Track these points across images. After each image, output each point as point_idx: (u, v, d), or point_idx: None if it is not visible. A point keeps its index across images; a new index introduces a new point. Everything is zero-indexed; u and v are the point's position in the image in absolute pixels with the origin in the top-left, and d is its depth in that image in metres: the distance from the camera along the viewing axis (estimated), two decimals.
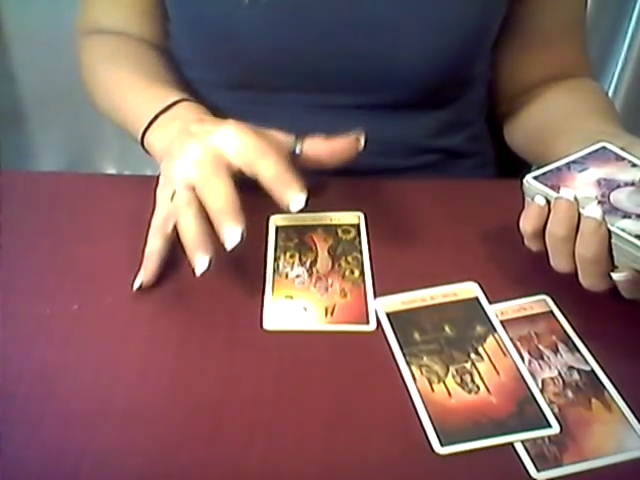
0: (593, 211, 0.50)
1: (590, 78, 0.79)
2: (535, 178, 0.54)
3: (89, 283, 0.57)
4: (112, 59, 0.73)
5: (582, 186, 0.53)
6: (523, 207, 0.54)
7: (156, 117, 0.61)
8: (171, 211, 0.55)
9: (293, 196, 0.52)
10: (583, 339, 0.52)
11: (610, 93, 1.53)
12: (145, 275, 0.56)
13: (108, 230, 0.62)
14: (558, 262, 0.52)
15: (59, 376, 0.50)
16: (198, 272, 0.52)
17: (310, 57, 0.68)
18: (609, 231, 0.49)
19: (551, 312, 0.55)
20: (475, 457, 0.45)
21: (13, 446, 0.45)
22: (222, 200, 0.52)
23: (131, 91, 0.68)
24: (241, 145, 0.55)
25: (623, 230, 0.49)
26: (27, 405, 0.48)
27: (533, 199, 0.53)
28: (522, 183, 0.54)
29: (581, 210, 0.51)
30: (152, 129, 0.62)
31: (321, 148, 0.60)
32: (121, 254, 0.59)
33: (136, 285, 0.56)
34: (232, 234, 0.51)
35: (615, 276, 0.50)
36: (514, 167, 0.84)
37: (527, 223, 0.53)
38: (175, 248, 0.60)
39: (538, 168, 0.55)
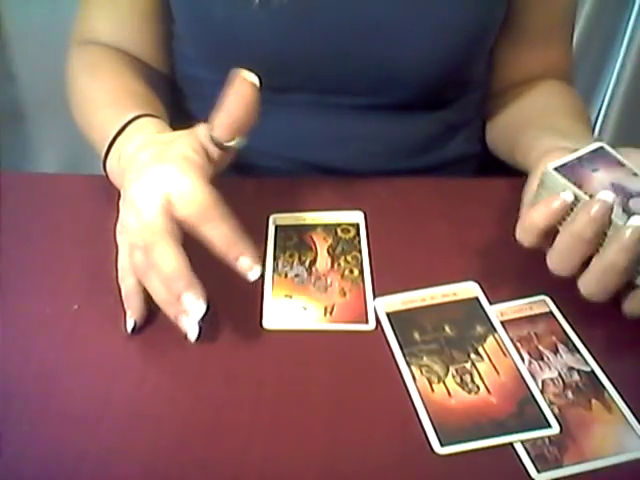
0: (638, 220, 0.47)
1: (569, 83, 0.79)
2: (556, 170, 0.51)
3: (89, 283, 0.57)
4: (92, 74, 0.71)
5: (601, 187, 0.50)
6: (518, 206, 0.54)
7: (114, 140, 0.59)
8: (133, 268, 0.53)
9: (249, 265, 0.50)
10: (583, 340, 0.52)
11: (608, 94, 1.53)
12: (134, 314, 0.53)
13: (108, 230, 0.62)
14: (566, 263, 0.50)
15: (59, 376, 0.50)
16: (193, 337, 0.49)
17: (314, 58, 0.68)
18: None
19: (551, 313, 0.55)
20: (475, 457, 0.45)
21: (13, 446, 0.45)
22: (171, 266, 0.49)
23: (98, 110, 0.65)
24: (190, 200, 0.50)
25: None
26: (27, 405, 0.48)
27: (559, 193, 0.50)
28: (543, 173, 0.51)
29: (613, 217, 0.48)
30: (110, 156, 0.59)
31: (224, 120, 0.53)
32: None
33: (129, 327, 0.52)
34: (192, 305, 0.49)
35: None
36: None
37: (542, 216, 0.50)
38: None
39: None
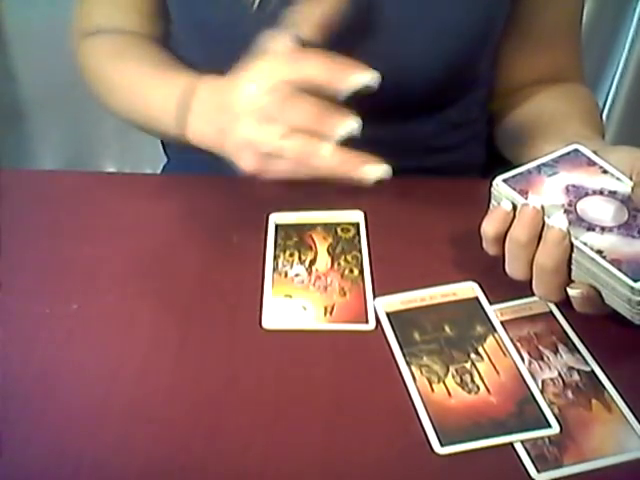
0: (559, 221, 0.49)
1: (581, 83, 0.79)
2: (504, 181, 0.53)
3: (89, 283, 0.57)
4: (120, 58, 0.71)
5: (550, 192, 0.52)
6: (487, 209, 0.54)
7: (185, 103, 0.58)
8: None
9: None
10: (583, 340, 0.52)
11: (611, 94, 1.52)
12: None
13: (108, 229, 0.62)
14: (514, 268, 0.52)
15: (59, 376, 0.50)
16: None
17: None
18: (572, 244, 0.49)
19: (551, 312, 0.55)
20: (475, 457, 0.45)
21: (13, 446, 0.45)
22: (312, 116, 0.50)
23: (149, 86, 0.65)
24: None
25: (585, 244, 0.48)
26: (27, 404, 0.48)
27: (499, 203, 0.52)
28: (491, 185, 0.53)
29: (546, 219, 0.50)
30: (191, 119, 0.58)
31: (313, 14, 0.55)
32: (121, 254, 0.59)
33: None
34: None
35: (571, 291, 0.49)
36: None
37: (490, 226, 0.52)
38: (173, 248, 0.60)
39: (508, 170, 0.54)
